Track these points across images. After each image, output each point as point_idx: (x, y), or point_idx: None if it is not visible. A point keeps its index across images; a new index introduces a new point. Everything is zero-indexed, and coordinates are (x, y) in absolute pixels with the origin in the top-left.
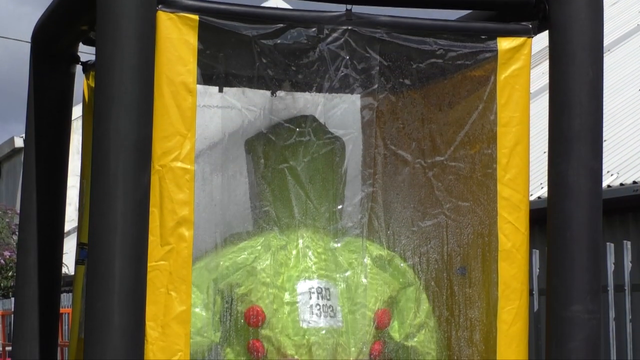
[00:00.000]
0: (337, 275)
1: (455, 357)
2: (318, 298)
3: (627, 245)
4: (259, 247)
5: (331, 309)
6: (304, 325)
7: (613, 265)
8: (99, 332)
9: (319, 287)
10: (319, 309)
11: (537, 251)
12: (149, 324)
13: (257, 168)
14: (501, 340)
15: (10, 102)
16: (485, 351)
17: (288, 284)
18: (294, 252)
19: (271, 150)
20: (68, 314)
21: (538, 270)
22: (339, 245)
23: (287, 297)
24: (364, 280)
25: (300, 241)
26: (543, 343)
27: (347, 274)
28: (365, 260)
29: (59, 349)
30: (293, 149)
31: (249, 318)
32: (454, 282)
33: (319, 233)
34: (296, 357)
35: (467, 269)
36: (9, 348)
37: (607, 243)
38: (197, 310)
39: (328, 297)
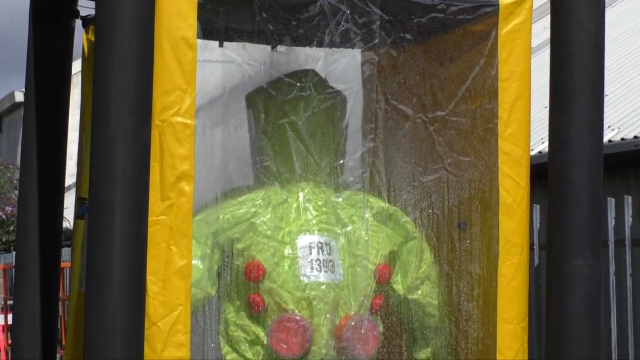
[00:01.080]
0: (338, 230)
1: (456, 312)
2: (318, 253)
3: (628, 200)
4: (259, 201)
5: (331, 263)
6: (304, 280)
7: (614, 220)
8: (99, 287)
9: (319, 242)
10: (319, 263)
11: (538, 206)
12: (150, 278)
13: (258, 123)
14: (501, 294)
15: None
16: (485, 305)
17: (288, 238)
18: (295, 206)
19: (272, 105)
20: (69, 268)
21: (538, 224)
22: (340, 199)
23: (287, 251)
24: (365, 235)
25: (301, 195)
26: (543, 297)
27: (348, 228)
28: (366, 214)
29: (60, 302)
30: (294, 104)
31: (248, 272)
32: (454, 236)
33: (320, 187)
34: (296, 311)
35: (467, 224)
36: (10, 302)
37: (608, 198)
38: (194, 262)
39: (328, 252)
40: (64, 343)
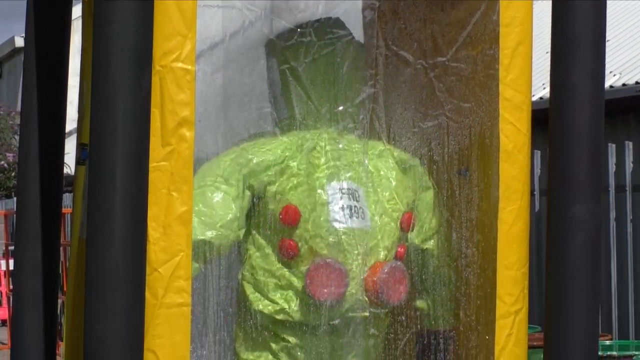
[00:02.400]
0: (365, 178)
1: (456, 258)
2: (349, 199)
3: (629, 145)
4: (292, 146)
5: (361, 210)
6: (337, 226)
7: (614, 166)
8: (100, 233)
9: (349, 189)
10: (350, 210)
11: (539, 152)
12: (151, 224)
13: (281, 70)
14: (502, 240)
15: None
16: (485, 251)
17: (319, 184)
18: (324, 153)
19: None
20: (70, 214)
21: (539, 170)
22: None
23: (320, 197)
24: (391, 183)
25: (328, 142)
26: (544, 243)
27: (375, 177)
28: (390, 162)
29: (61, 248)
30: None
31: (285, 216)
32: (454, 183)
33: (345, 135)
34: (329, 257)
35: (467, 170)
36: (11, 247)
37: (609, 144)
38: (225, 202)
39: (357, 199)
40: (65, 289)
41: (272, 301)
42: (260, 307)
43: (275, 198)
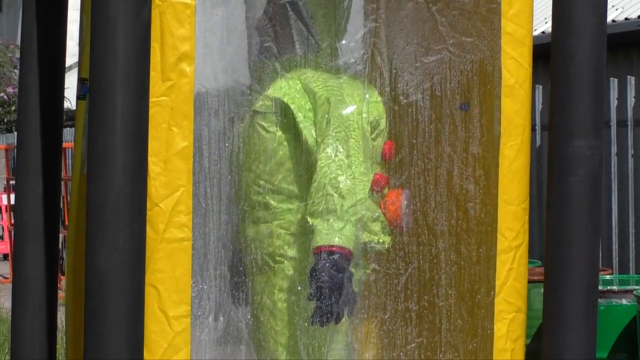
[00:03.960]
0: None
1: (457, 192)
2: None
3: (631, 80)
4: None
5: None
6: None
7: (616, 101)
8: (101, 169)
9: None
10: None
11: (540, 86)
12: (151, 159)
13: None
14: (503, 176)
15: None
16: (487, 187)
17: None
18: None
19: None
20: (71, 148)
21: (541, 105)
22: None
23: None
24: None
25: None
26: (545, 179)
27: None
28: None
29: (62, 183)
30: None
31: (385, 152)
32: (456, 118)
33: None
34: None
35: (469, 105)
36: (12, 182)
37: (611, 78)
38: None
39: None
40: (66, 223)
41: (372, 232)
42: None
43: (381, 134)
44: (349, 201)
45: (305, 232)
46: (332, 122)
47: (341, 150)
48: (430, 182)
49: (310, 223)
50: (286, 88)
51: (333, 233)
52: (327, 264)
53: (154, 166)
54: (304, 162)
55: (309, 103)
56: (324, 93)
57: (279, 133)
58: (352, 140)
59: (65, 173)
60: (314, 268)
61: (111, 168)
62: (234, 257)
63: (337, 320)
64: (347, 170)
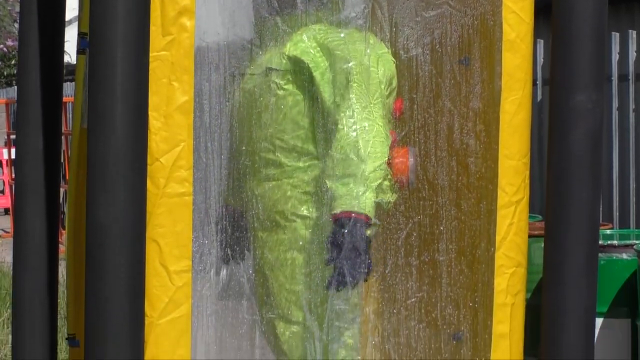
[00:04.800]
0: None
1: (457, 147)
2: None
3: (632, 34)
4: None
5: None
6: None
7: (617, 55)
8: (102, 123)
9: None
10: None
11: (542, 41)
12: (152, 114)
13: None
14: (503, 130)
15: None
16: (488, 141)
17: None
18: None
19: None
20: (71, 102)
21: (542, 60)
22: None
23: None
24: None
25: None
26: (546, 133)
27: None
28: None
29: (62, 137)
30: None
31: (396, 109)
32: (456, 72)
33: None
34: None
35: (469, 59)
36: (13, 136)
37: (612, 33)
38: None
39: None
40: (67, 177)
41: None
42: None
43: (392, 93)
44: (370, 166)
45: (319, 191)
46: (351, 85)
47: (361, 113)
48: (430, 137)
49: (329, 186)
50: (303, 46)
51: (353, 199)
52: (346, 231)
53: (155, 121)
54: (319, 120)
55: (326, 62)
56: (341, 54)
57: (295, 91)
58: (372, 103)
59: (66, 127)
60: (333, 234)
61: (111, 123)
62: (234, 214)
63: (354, 285)
64: (367, 134)
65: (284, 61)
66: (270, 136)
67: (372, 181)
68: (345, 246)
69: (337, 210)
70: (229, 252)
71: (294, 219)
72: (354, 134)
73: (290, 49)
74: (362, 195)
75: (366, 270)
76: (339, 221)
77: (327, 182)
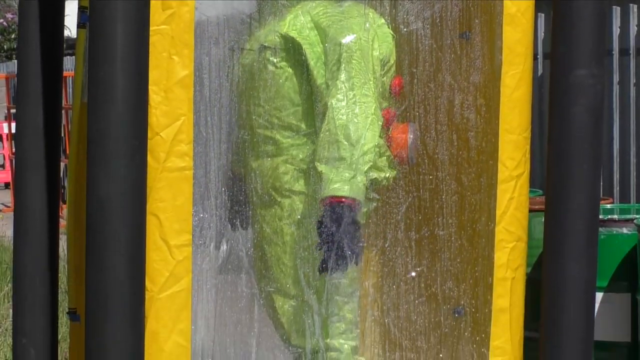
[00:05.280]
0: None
1: (458, 122)
2: None
3: (633, 8)
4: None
5: None
6: None
7: (618, 29)
8: (102, 98)
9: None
10: None
11: (543, 15)
12: (152, 88)
13: None
14: (504, 104)
15: None
16: (489, 117)
17: None
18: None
19: None
20: (71, 77)
21: (543, 34)
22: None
23: None
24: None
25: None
26: (546, 108)
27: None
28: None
29: (63, 111)
30: None
31: (394, 87)
32: (457, 47)
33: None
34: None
35: (470, 33)
36: (13, 110)
37: (613, 7)
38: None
39: None
40: (67, 152)
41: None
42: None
43: (389, 71)
44: (359, 150)
45: (314, 167)
46: (343, 67)
47: (352, 95)
48: (430, 111)
49: (319, 170)
50: (298, 25)
51: (342, 183)
52: (336, 216)
53: (155, 95)
54: (313, 98)
55: (320, 43)
56: (334, 33)
57: (289, 69)
58: (365, 85)
59: (66, 101)
60: (323, 218)
61: (111, 97)
62: (234, 185)
63: (344, 269)
64: (358, 117)
65: (278, 39)
66: (266, 113)
67: (362, 165)
68: (335, 231)
69: (327, 195)
70: (237, 218)
71: (289, 195)
72: (344, 117)
73: (284, 27)
74: (352, 179)
75: (357, 254)
76: (329, 206)
77: (318, 165)
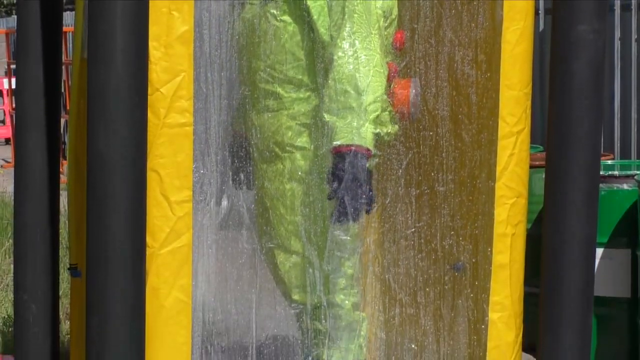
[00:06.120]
0: None
1: (458, 78)
2: None
3: None
4: None
5: None
6: None
7: None
8: (102, 53)
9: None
10: None
11: None
12: (152, 44)
13: None
14: (505, 60)
15: None
16: (489, 75)
17: None
18: None
19: None
20: (71, 32)
21: None
22: None
23: None
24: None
25: None
26: (547, 65)
27: None
28: None
29: (63, 67)
30: None
31: (397, 41)
32: (458, 2)
33: None
34: None
35: None
36: (13, 66)
37: None
38: None
39: None
40: (68, 108)
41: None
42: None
43: (392, 24)
44: (368, 98)
45: (316, 123)
46: (347, 16)
47: (358, 45)
48: (431, 67)
49: (327, 120)
50: None
51: (352, 132)
52: (347, 164)
53: (155, 51)
54: (318, 51)
55: None
56: None
57: (291, 22)
58: (368, 38)
59: (66, 57)
60: (334, 168)
61: (111, 53)
62: (234, 141)
63: (356, 218)
64: (364, 66)
65: None
66: (268, 67)
67: (370, 113)
68: (346, 179)
69: (337, 144)
70: (240, 176)
71: (291, 150)
72: (351, 66)
73: None
74: (361, 127)
75: (368, 202)
76: (340, 154)
77: (326, 115)
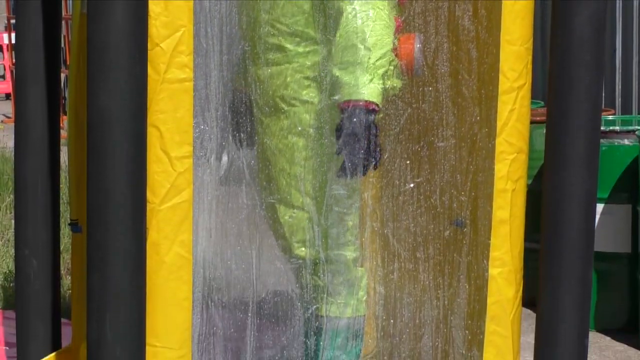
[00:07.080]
0: None
1: (459, 33)
2: None
3: None
4: None
5: None
6: None
7: None
8: (101, 8)
9: None
10: None
11: None
12: None
13: None
14: (506, 15)
15: None
16: (490, 28)
17: None
18: None
19: None
20: None
21: None
22: None
23: None
24: None
25: None
26: (549, 17)
27: None
28: None
29: (63, 22)
30: None
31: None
32: None
33: None
34: None
35: None
36: (13, 21)
37: None
38: None
39: None
40: (68, 63)
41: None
42: None
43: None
44: (375, 53)
45: (320, 76)
46: None
47: (365, 1)
48: (430, 22)
49: (336, 75)
50: None
51: (361, 87)
52: (355, 119)
53: (155, 6)
54: (323, 5)
55: None
56: None
57: None
58: None
59: (66, 12)
60: (342, 122)
61: (111, 7)
62: (234, 97)
63: (364, 172)
64: (372, 21)
65: None
66: (272, 20)
67: (378, 68)
68: (354, 134)
69: (345, 99)
70: (243, 136)
71: (295, 104)
72: (360, 21)
73: None
74: (369, 83)
75: (376, 158)
76: (348, 110)
77: (333, 70)
